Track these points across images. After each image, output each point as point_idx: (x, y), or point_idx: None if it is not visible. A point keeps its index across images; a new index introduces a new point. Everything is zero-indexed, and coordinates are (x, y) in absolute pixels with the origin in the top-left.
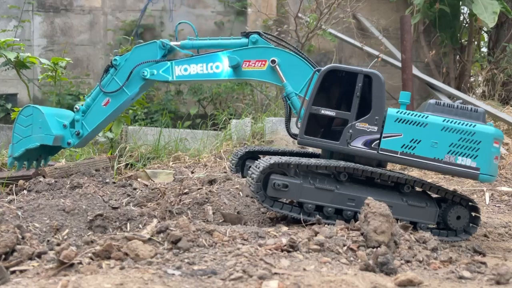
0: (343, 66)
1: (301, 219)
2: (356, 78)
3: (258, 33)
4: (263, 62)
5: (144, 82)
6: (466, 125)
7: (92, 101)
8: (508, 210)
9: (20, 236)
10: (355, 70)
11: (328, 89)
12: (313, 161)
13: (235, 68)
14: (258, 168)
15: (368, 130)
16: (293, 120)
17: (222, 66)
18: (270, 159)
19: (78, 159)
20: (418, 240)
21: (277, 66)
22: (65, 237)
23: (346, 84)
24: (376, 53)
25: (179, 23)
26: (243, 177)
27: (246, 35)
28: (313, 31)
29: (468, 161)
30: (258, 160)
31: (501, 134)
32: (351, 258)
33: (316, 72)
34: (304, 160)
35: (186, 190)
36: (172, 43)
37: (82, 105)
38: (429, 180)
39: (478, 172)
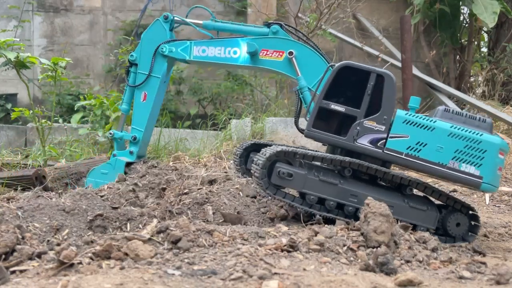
0: (357, 64)
1: (301, 217)
2: (368, 77)
3: (280, 24)
4: (281, 53)
5: (167, 61)
6: (473, 133)
7: (127, 105)
8: (508, 210)
9: (20, 236)
10: (368, 68)
11: (339, 85)
12: (319, 153)
13: (253, 55)
14: (265, 155)
15: (376, 128)
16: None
17: (240, 52)
18: (277, 147)
19: (78, 159)
20: (418, 240)
21: (293, 59)
22: (65, 237)
23: (358, 81)
24: (376, 53)
25: (194, 7)
26: (246, 169)
27: (268, 25)
28: (313, 31)
29: (472, 169)
30: (265, 148)
31: (507, 145)
32: (351, 258)
33: (330, 67)
34: (310, 151)
35: (186, 190)
36: (179, 17)
37: (110, 132)
38: (429, 180)
39: (481, 181)
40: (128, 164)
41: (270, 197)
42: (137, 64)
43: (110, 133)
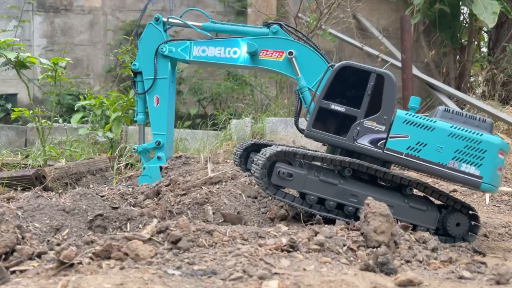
0: (357, 64)
1: (301, 217)
2: (369, 77)
3: (280, 24)
4: (281, 53)
5: (169, 60)
6: (473, 133)
7: (143, 115)
8: (508, 210)
9: (20, 236)
10: (368, 69)
11: (340, 85)
12: (319, 153)
13: (253, 55)
14: (265, 155)
15: (376, 128)
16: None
17: (239, 52)
18: (277, 147)
19: (78, 159)
20: (418, 240)
21: (293, 59)
22: (65, 237)
23: (358, 81)
24: (376, 53)
25: (189, 9)
26: (246, 169)
27: (268, 25)
28: (313, 31)
29: (472, 169)
30: (265, 148)
31: (507, 145)
32: (351, 258)
33: (330, 67)
34: (310, 151)
35: (184, 192)
36: (173, 20)
37: (133, 147)
38: (429, 180)
39: (481, 181)
40: (160, 168)
41: (270, 197)
42: (141, 72)
43: (134, 149)
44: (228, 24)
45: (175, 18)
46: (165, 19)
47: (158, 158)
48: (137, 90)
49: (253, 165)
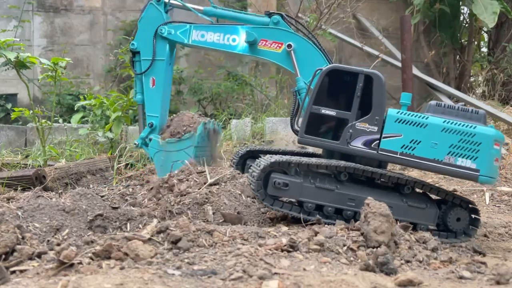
0: (344, 66)
1: (301, 219)
2: (357, 78)
3: (281, 15)
4: (280, 45)
5: (168, 42)
6: (466, 126)
7: (141, 95)
8: (508, 210)
9: (20, 236)
10: (356, 70)
11: (328, 89)
12: (313, 160)
13: (251, 44)
14: (259, 166)
15: (368, 130)
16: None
17: (238, 40)
18: (271, 157)
19: (78, 159)
20: (418, 240)
21: (292, 52)
22: (65, 237)
23: (347, 84)
24: (376, 53)
25: None
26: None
27: (269, 15)
28: (313, 31)
29: (468, 163)
30: (259, 158)
31: (502, 136)
32: (351, 258)
33: (318, 70)
34: (304, 159)
35: (184, 193)
36: (174, 1)
37: (134, 143)
38: (429, 180)
39: (478, 173)
40: None
41: (268, 208)
42: (139, 52)
43: (135, 144)
44: (229, 10)
45: (179, 2)
46: (166, 0)
47: (150, 140)
48: (135, 70)
49: (248, 176)
